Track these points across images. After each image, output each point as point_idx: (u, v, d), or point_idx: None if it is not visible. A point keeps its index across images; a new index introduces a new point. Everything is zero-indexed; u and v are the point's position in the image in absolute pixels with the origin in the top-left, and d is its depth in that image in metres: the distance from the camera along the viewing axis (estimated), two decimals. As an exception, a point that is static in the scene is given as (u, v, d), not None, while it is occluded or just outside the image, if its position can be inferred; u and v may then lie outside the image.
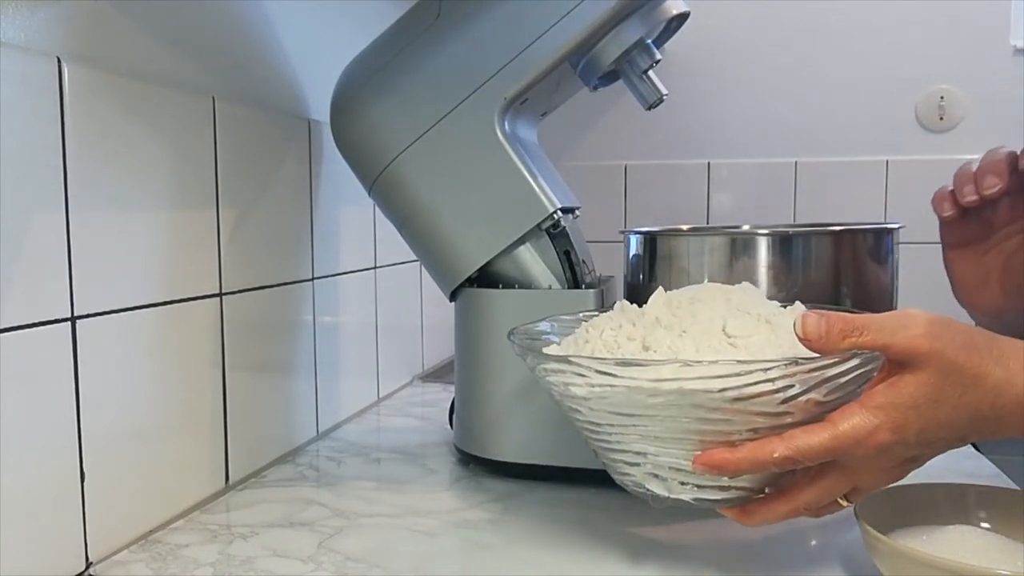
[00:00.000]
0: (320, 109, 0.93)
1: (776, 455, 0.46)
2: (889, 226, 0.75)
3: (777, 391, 0.46)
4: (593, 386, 0.49)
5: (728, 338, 0.50)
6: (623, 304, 0.58)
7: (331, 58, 0.89)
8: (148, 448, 0.66)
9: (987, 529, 0.55)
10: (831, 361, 0.46)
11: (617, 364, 0.48)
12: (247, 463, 0.80)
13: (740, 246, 0.76)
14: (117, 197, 0.62)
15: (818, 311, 0.47)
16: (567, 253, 0.78)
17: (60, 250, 0.57)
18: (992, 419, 0.45)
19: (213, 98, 0.74)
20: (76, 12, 0.60)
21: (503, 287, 0.78)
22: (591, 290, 0.76)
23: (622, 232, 0.86)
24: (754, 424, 0.47)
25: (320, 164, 0.94)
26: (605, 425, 0.51)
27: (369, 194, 0.83)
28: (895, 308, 0.80)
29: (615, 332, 0.54)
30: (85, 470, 0.59)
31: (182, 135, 0.70)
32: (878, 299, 0.78)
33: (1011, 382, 0.45)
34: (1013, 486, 0.64)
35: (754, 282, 0.74)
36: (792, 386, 0.46)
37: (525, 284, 0.78)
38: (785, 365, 0.45)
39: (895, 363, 0.46)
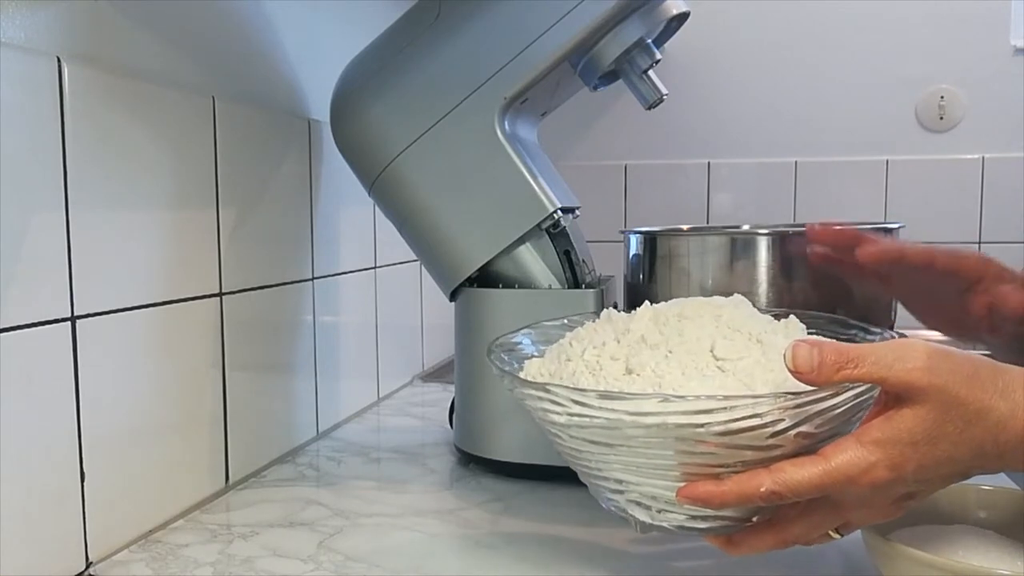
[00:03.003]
0: (320, 109, 0.93)
1: (763, 489, 0.44)
2: (889, 226, 0.75)
3: (765, 426, 0.43)
4: (572, 415, 0.47)
5: (716, 361, 0.48)
6: (610, 313, 0.56)
7: (331, 58, 0.89)
8: (148, 448, 0.66)
9: (987, 529, 0.55)
10: (823, 395, 0.44)
11: (597, 397, 0.46)
12: (247, 463, 0.80)
13: (740, 246, 0.76)
14: (117, 197, 0.62)
15: (811, 340, 0.44)
16: (567, 253, 0.78)
17: (60, 250, 0.57)
18: (994, 455, 0.43)
19: (213, 98, 0.74)
20: (76, 12, 0.60)
21: (503, 287, 0.78)
22: (591, 290, 0.76)
23: (622, 232, 0.86)
24: (741, 458, 0.45)
25: (320, 164, 0.94)
26: (585, 452, 0.49)
27: (369, 194, 0.83)
28: (895, 308, 0.80)
29: (598, 351, 0.51)
30: (85, 470, 0.59)
31: (182, 135, 0.70)
32: (878, 299, 0.78)
33: (1015, 415, 0.42)
34: (1013, 486, 0.64)
35: (754, 282, 0.74)
36: (782, 420, 0.43)
37: (525, 284, 0.78)
38: (775, 399, 0.43)
39: (892, 395, 0.44)
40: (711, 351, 0.49)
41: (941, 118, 1.70)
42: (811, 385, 0.44)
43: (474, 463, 0.82)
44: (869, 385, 0.44)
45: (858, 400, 0.45)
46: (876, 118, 1.73)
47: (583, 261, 0.79)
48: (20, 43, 0.55)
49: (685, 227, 0.90)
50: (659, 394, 0.45)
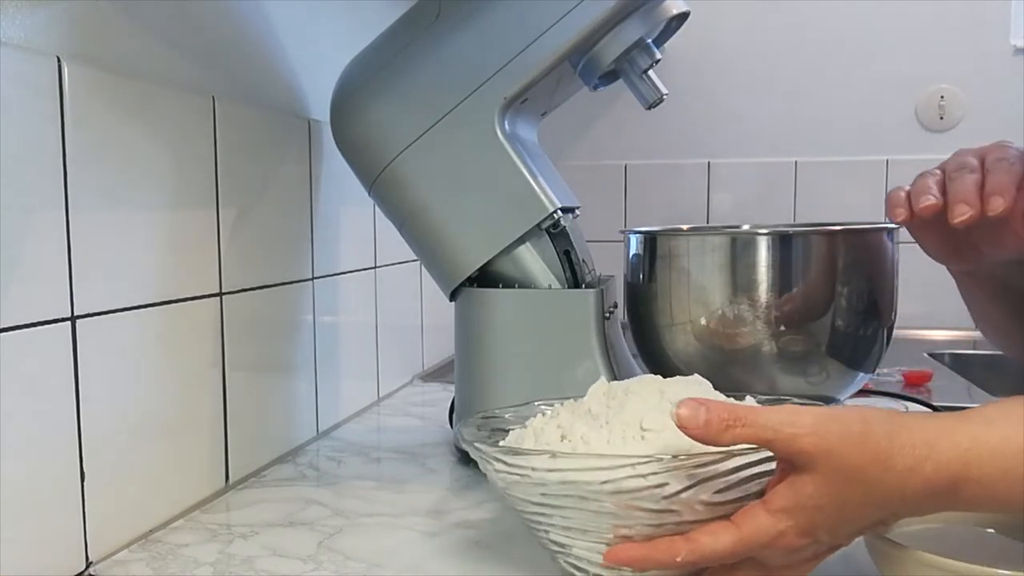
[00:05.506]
0: (320, 109, 0.93)
1: (679, 559, 0.45)
2: (889, 226, 0.75)
3: (655, 487, 0.45)
4: (497, 472, 0.50)
5: (643, 431, 0.50)
6: (592, 389, 0.57)
7: (331, 58, 0.89)
8: (148, 448, 0.66)
9: (988, 529, 0.55)
10: (709, 460, 0.45)
11: (505, 453, 0.50)
12: (247, 463, 0.80)
13: (740, 246, 0.76)
14: (117, 197, 0.62)
15: (701, 399, 0.44)
16: (567, 253, 0.78)
17: (60, 250, 0.57)
18: (905, 507, 0.44)
19: (213, 98, 0.74)
20: (76, 12, 0.60)
21: (503, 287, 0.78)
22: (591, 290, 0.76)
23: (622, 232, 0.86)
24: (641, 520, 0.46)
25: (320, 164, 0.94)
26: (526, 514, 0.52)
27: (369, 194, 0.83)
28: (895, 308, 0.80)
29: (546, 420, 0.55)
30: (85, 470, 0.59)
31: (182, 135, 0.70)
32: (878, 299, 0.78)
33: (915, 470, 0.42)
34: (1013, 486, 0.64)
35: (754, 282, 0.74)
36: (667, 483, 0.45)
37: (525, 284, 0.78)
38: (656, 461, 0.45)
39: (785, 460, 0.44)
40: (640, 423, 0.51)
41: (941, 118, 1.70)
42: (702, 443, 0.44)
43: (474, 463, 0.82)
44: (764, 455, 0.45)
45: (756, 469, 0.46)
46: (876, 118, 1.73)
47: (583, 261, 0.79)
48: (20, 43, 0.55)
49: (685, 227, 0.90)
50: (548, 451, 0.49)
